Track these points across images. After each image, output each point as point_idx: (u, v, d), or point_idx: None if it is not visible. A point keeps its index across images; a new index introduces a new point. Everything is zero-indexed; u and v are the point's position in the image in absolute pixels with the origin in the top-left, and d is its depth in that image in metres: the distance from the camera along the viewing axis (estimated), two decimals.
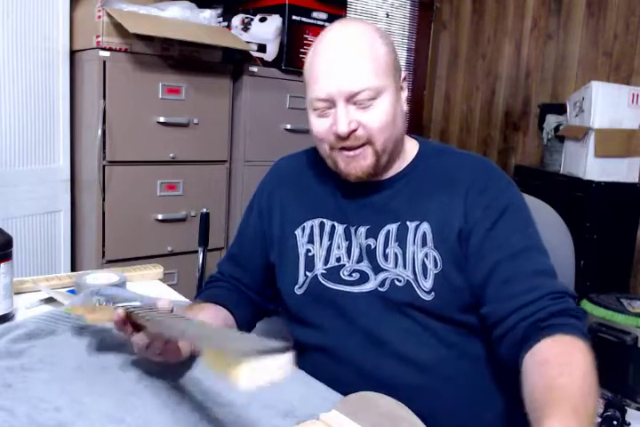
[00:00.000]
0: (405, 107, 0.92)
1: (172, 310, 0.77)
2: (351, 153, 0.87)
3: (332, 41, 0.87)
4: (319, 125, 0.89)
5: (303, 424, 0.67)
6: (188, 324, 0.65)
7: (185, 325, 0.64)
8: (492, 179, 0.90)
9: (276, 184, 1.03)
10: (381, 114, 0.86)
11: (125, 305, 0.80)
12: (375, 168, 0.89)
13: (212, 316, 0.91)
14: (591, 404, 0.64)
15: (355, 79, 0.84)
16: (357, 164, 0.88)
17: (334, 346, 0.91)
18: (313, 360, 0.92)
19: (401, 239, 0.89)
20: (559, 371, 0.68)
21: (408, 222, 0.89)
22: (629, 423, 1.85)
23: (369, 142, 0.87)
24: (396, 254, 0.89)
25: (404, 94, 0.92)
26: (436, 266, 0.86)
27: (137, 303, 0.93)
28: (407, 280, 0.87)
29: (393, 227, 0.90)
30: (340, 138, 0.86)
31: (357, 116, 0.85)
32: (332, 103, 0.86)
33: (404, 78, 0.92)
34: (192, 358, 0.83)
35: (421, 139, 0.99)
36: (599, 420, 1.84)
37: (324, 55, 0.87)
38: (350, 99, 0.85)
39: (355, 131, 0.86)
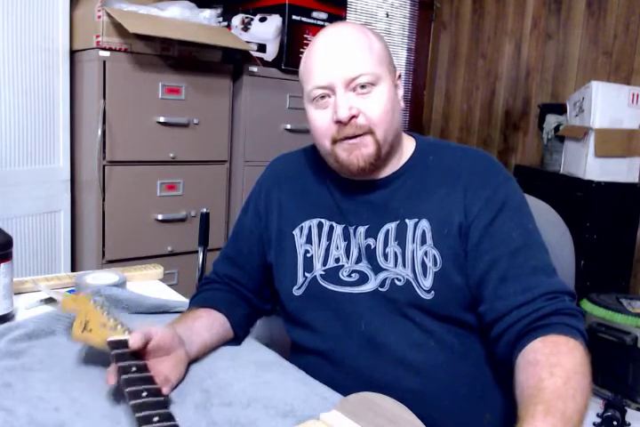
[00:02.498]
0: (402, 104, 0.93)
1: (146, 345, 0.74)
2: (352, 141, 0.87)
3: (328, 37, 0.89)
4: (319, 119, 0.88)
5: (303, 424, 0.67)
6: None
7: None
8: (491, 173, 0.90)
9: (274, 184, 1.02)
10: (381, 101, 0.87)
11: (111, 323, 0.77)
12: (376, 158, 0.88)
13: (207, 324, 0.90)
14: (571, 406, 0.64)
15: (354, 64, 0.86)
16: (359, 151, 0.87)
17: (332, 349, 0.91)
18: (310, 363, 0.91)
19: (400, 238, 0.88)
20: (545, 372, 0.68)
21: (407, 220, 0.89)
22: (629, 424, 1.85)
23: (370, 132, 0.86)
24: (395, 254, 0.88)
25: (400, 92, 0.93)
26: (435, 264, 0.86)
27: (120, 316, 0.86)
28: (407, 279, 0.86)
29: (392, 226, 0.89)
30: (342, 124, 0.86)
31: (357, 104, 0.86)
32: (331, 91, 0.86)
33: (399, 77, 0.94)
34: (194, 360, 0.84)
35: (418, 136, 0.98)
36: (599, 420, 1.84)
37: (322, 49, 0.88)
38: (349, 84, 0.85)
39: (355, 117, 0.86)
